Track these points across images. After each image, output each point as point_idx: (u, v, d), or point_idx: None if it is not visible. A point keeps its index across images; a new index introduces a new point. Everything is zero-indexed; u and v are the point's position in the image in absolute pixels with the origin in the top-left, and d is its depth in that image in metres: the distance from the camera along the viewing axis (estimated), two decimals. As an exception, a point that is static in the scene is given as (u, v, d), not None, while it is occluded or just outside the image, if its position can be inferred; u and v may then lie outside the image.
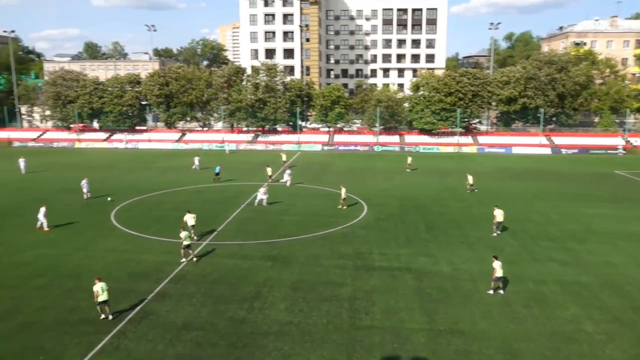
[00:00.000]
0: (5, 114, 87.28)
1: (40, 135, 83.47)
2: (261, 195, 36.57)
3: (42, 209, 30.59)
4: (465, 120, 76.31)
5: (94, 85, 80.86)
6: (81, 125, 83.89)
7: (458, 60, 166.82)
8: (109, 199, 38.46)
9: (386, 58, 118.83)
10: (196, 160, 54.58)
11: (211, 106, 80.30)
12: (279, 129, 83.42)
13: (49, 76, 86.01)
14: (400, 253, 26.14)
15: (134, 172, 52.46)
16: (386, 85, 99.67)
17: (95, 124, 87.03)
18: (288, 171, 45.25)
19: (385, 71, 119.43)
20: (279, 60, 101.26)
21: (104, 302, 18.82)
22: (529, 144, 73.49)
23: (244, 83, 79.28)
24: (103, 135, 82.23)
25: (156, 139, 79.17)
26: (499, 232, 29.55)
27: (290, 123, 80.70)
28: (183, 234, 25.09)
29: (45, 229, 30.18)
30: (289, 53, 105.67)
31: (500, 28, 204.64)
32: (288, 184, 44.02)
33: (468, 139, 76.08)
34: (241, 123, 79.36)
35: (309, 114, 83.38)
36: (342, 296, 20.77)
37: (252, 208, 35.71)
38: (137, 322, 18.54)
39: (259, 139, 78.72)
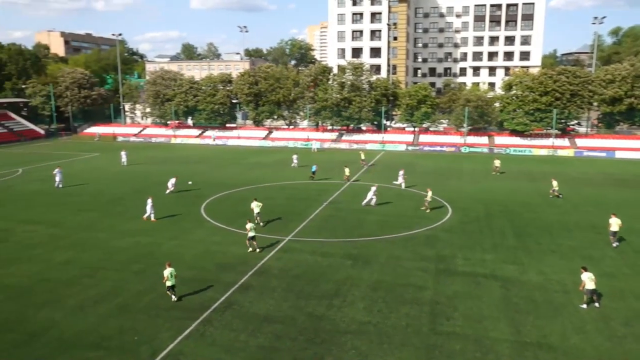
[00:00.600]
0: (111, 111, 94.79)
1: (141, 131, 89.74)
2: (371, 195, 35.80)
3: (149, 201, 32.45)
4: (562, 121, 71.66)
5: (189, 85, 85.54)
6: (177, 122, 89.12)
7: (556, 57, 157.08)
8: (189, 182, 42.41)
9: (477, 56, 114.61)
10: (295, 158, 55.46)
11: (297, 105, 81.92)
12: (363, 128, 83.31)
13: (150, 76, 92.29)
14: (486, 259, 25.15)
15: (223, 167, 54.87)
16: (476, 84, 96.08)
17: (190, 121, 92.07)
18: (401, 172, 43.73)
19: (476, 70, 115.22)
20: (366, 59, 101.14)
21: (172, 287, 20.18)
22: (636, 148, 67.56)
23: (330, 82, 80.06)
24: (196, 131, 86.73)
25: (244, 136, 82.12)
26: (617, 242, 27.36)
27: (375, 122, 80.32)
28: (249, 226, 26.31)
29: (152, 219, 32.10)
30: (375, 52, 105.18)
31: (605, 22, 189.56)
32: (403, 186, 42.39)
33: (564, 142, 71.42)
34: (326, 122, 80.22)
35: (394, 113, 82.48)
36: (422, 299, 20.39)
37: (335, 206, 36.02)
38: (222, 311, 19.42)
39: (343, 137, 79.14)
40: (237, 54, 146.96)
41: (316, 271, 23.46)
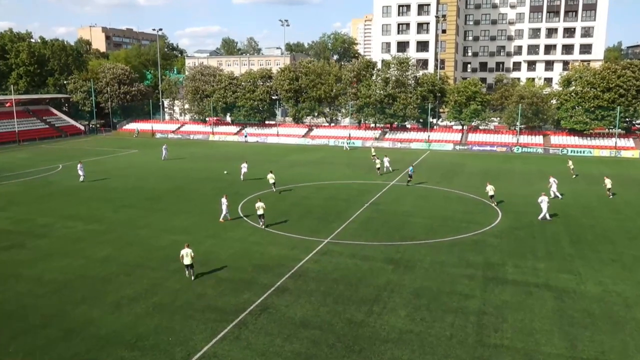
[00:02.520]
0: (150, 107, 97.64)
1: (179, 127, 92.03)
2: (544, 204, 32.55)
3: (224, 200, 32.20)
4: (627, 120, 68.70)
5: (228, 80, 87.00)
6: (215, 118, 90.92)
7: (621, 50, 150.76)
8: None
9: (532, 49, 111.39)
10: (386, 161, 50.93)
11: (339, 101, 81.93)
12: (408, 126, 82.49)
13: (189, 71, 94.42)
14: (538, 267, 24.42)
15: (261, 165, 55.55)
16: (531, 80, 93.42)
17: (228, 118, 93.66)
18: (553, 180, 39.62)
19: (531, 64, 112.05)
20: (412, 53, 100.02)
21: (189, 265, 22.79)
22: None
23: (373, 78, 79.66)
24: (234, 128, 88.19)
25: (284, 133, 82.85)
26: None
27: (421, 120, 79.37)
28: (258, 204, 30.24)
29: (228, 218, 32.23)
30: (422, 46, 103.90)
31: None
32: (559, 195, 39.31)
33: (629, 142, 68.48)
34: (369, 119, 79.90)
35: (441, 110, 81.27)
36: (468, 309, 20.00)
37: (377, 208, 35.84)
38: (257, 314, 19.65)
39: (387, 136, 78.61)
40: (278, 48, 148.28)
41: (356, 275, 23.39)
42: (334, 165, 54.65)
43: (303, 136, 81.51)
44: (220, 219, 32.22)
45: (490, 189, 36.85)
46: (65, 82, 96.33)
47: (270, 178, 40.08)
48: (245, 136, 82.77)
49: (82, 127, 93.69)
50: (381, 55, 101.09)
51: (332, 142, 77.17)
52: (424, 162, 58.53)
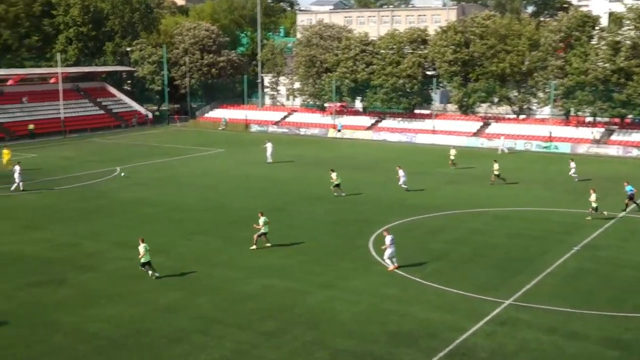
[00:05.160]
0: (245, 86, 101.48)
1: (285, 117, 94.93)
2: None
3: (389, 238, 31.50)
4: None
5: (361, 46, 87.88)
6: (339, 104, 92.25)
7: None
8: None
9: None
10: (572, 165, 53.87)
11: (534, 80, 79.67)
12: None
13: (302, 33, 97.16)
14: None
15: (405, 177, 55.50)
16: None
17: (358, 104, 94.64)
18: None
19: None
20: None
21: (147, 263, 28.64)
22: None
23: (593, 42, 76.49)
24: (367, 120, 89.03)
25: (442, 129, 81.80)
26: None
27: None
28: (261, 220, 34.04)
29: (395, 265, 31.53)
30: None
31: None
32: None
33: None
34: (583, 109, 76.70)
35: None
36: None
37: (593, 254, 34.14)
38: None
39: (613, 137, 74.84)
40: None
41: (555, 362, 22.42)
42: (521, 182, 53.02)
43: (474, 134, 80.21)
44: (390, 268, 31.61)
45: None
46: (128, 48, 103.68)
47: (335, 178, 47.34)
48: (339, 130, 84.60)
49: (149, 114, 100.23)
50: (607, 5, 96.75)
51: (521, 145, 75.09)
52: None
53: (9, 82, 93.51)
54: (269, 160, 62.56)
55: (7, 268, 32.28)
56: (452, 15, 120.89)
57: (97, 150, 72.45)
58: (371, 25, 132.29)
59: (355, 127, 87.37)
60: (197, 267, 32.21)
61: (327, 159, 65.43)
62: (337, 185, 47.54)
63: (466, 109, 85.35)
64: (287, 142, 78.69)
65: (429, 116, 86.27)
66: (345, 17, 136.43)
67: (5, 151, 60.26)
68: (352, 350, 23.16)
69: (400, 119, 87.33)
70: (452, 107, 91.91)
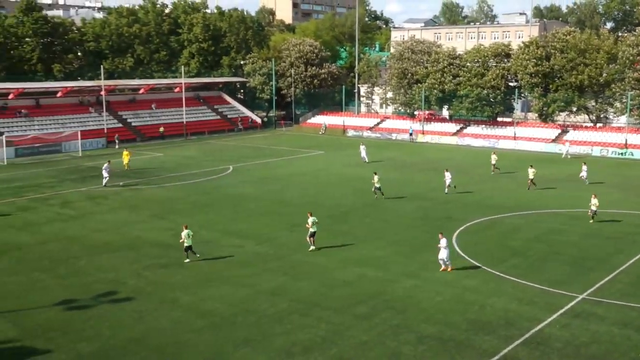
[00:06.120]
0: (343, 96, 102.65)
1: (378, 123, 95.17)
2: None
3: (443, 242, 30.06)
4: None
5: (448, 60, 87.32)
6: (427, 112, 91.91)
7: None
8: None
9: None
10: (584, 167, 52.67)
11: (612, 91, 76.90)
12: None
13: (395, 48, 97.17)
14: None
15: (488, 181, 54.54)
16: None
17: (445, 112, 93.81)
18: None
19: None
20: None
21: (189, 247, 31.47)
22: None
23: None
24: (453, 126, 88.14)
25: (523, 135, 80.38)
26: None
27: None
28: (310, 220, 32.82)
29: (448, 268, 30.26)
30: None
31: None
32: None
33: None
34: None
35: None
36: None
37: (665, 254, 32.68)
38: (472, 391, 19.25)
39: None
40: (522, 14, 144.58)
41: (627, 354, 21.60)
42: (597, 185, 51.29)
43: (552, 140, 78.15)
44: (442, 268, 30.51)
45: None
46: (242, 62, 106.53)
47: (377, 180, 45.79)
48: (411, 133, 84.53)
49: (259, 120, 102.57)
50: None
51: (597, 151, 72.54)
52: None
53: (141, 91, 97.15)
54: (366, 160, 63.85)
55: (138, 251, 33.78)
56: (534, 31, 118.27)
57: (212, 151, 74.51)
58: (458, 41, 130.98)
59: (441, 133, 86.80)
60: (299, 255, 32.84)
61: (416, 162, 65.34)
62: (379, 188, 45.88)
63: (545, 117, 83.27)
64: (380, 146, 78.95)
65: (510, 124, 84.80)
66: (435, 33, 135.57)
67: (125, 152, 61.61)
68: (435, 335, 23.10)
69: (483, 125, 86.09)
70: (532, 115, 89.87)
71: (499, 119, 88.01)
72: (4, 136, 66.63)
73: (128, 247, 33.73)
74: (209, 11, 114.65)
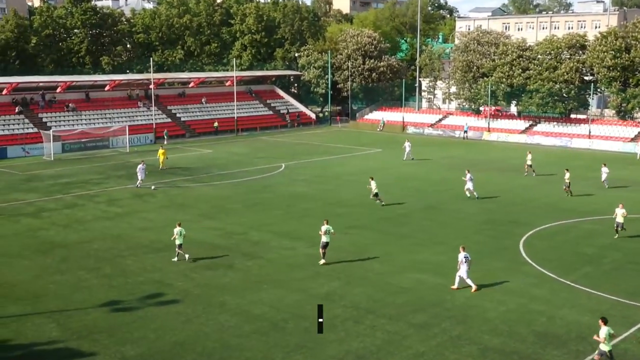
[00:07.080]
0: (403, 90, 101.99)
1: (440, 119, 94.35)
2: None
3: (462, 255, 28.63)
4: None
5: (517, 52, 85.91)
6: (494, 108, 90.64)
7: None
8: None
9: None
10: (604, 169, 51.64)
11: (698, 86, 74.51)
12: None
13: (460, 39, 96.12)
14: None
15: (554, 181, 53.47)
16: None
17: (513, 108, 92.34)
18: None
19: None
20: None
21: (179, 246, 31.87)
22: None
23: None
24: (522, 124, 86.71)
25: (599, 134, 78.72)
26: None
27: None
28: (324, 228, 31.50)
29: (472, 288, 28.53)
30: None
31: None
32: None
33: None
34: None
35: None
36: None
37: None
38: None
39: None
40: (599, 2, 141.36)
41: None
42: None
43: (632, 140, 76.13)
44: (474, 289, 28.53)
45: None
46: (296, 54, 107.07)
47: (374, 186, 44.18)
48: (465, 131, 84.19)
49: (313, 115, 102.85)
50: None
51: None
52: None
53: (191, 85, 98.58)
54: (404, 158, 64.49)
55: (185, 251, 34.23)
56: (612, 21, 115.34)
57: (264, 148, 75.10)
58: (529, 31, 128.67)
59: (509, 130, 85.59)
60: (353, 259, 32.79)
61: (483, 161, 64.38)
62: (376, 195, 44.26)
63: (624, 115, 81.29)
64: (442, 144, 78.52)
65: (585, 121, 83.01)
66: (504, 23, 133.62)
67: (161, 151, 61.20)
68: (499, 347, 22.78)
69: (555, 123, 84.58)
70: (609, 112, 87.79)
71: (573, 116, 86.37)
72: (51, 131, 68.29)
73: (175, 246, 34.28)
74: (262, 1, 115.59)
